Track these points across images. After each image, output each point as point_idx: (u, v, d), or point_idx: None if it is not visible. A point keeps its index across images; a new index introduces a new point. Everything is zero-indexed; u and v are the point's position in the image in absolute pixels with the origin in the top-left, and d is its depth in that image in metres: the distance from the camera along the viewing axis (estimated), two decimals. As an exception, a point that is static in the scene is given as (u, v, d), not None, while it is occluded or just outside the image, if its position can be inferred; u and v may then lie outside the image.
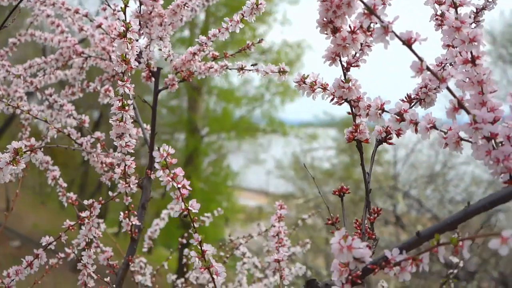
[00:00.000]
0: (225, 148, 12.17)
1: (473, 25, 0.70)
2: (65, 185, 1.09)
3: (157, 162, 0.60)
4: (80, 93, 1.18)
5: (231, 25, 0.87)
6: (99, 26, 1.05)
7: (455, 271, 1.07)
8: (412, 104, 0.68)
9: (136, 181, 0.90)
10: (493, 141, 0.52)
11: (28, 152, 0.67)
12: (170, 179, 0.61)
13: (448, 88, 0.50)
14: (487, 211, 0.48)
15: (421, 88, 0.67)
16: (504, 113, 0.53)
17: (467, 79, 0.53)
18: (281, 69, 0.82)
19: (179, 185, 0.61)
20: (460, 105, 0.51)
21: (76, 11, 1.10)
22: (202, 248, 0.64)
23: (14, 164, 0.67)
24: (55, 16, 1.23)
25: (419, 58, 0.50)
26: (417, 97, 0.68)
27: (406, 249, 0.51)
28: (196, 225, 0.63)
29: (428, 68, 0.50)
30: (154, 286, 1.31)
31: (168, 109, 11.78)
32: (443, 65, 0.68)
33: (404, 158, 6.84)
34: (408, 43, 0.50)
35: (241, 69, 0.93)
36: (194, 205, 0.63)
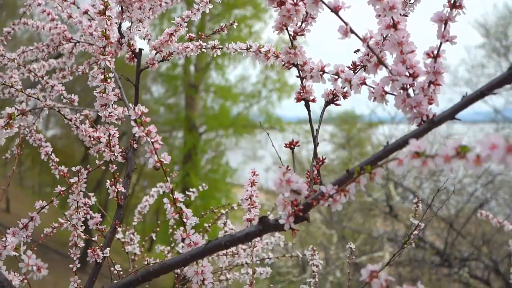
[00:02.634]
0: (223, 145, 12.27)
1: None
2: (57, 159, 1.18)
3: (133, 120, 0.70)
4: (70, 76, 1.27)
5: (201, 5, 0.97)
6: (86, 12, 1.14)
7: (416, 232, 1.17)
8: (357, 70, 0.78)
9: (120, 150, 0.99)
10: (411, 91, 0.62)
11: (20, 116, 0.76)
12: (145, 134, 0.70)
13: (369, 47, 0.60)
14: (402, 149, 0.58)
15: (364, 56, 0.77)
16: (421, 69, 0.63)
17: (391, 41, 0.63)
18: (248, 47, 0.92)
19: (153, 140, 0.71)
20: (380, 61, 0.60)
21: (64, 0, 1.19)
22: (174, 196, 0.73)
23: (8, 127, 0.76)
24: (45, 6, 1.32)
25: (345, 23, 0.60)
26: (361, 64, 0.77)
27: (339, 184, 0.61)
28: (168, 177, 0.73)
29: (352, 31, 0.59)
30: (143, 255, 1.41)
31: (166, 107, 11.87)
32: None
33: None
34: (335, 10, 0.60)
35: (213, 47, 1.03)
36: (166, 157, 0.72)
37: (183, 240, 0.73)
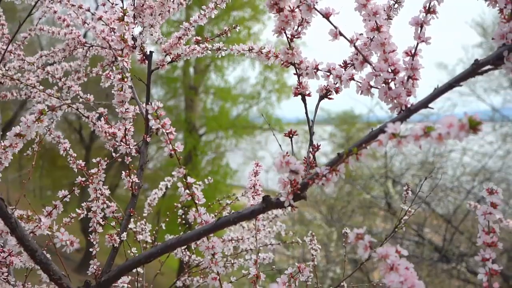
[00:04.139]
0: (223, 146, 12.36)
1: (396, 5, 0.90)
2: (74, 154, 1.28)
3: (150, 113, 0.80)
4: (85, 78, 1.37)
5: (207, 11, 1.07)
6: (100, 18, 1.24)
7: (405, 218, 1.27)
8: (348, 67, 0.88)
9: (135, 143, 1.09)
10: (393, 85, 0.72)
11: (50, 111, 0.86)
12: (161, 126, 0.80)
13: (355, 47, 0.70)
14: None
15: (353, 55, 0.87)
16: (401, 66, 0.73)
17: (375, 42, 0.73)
18: (250, 48, 1.02)
19: (167, 131, 0.81)
20: (365, 60, 0.71)
21: (80, 7, 1.29)
22: (187, 180, 0.83)
23: (39, 122, 0.86)
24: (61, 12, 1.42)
25: (334, 27, 0.70)
26: (351, 62, 0.87)
27: (331, 165, 0.71)
28: (180, 161, 0.83)
29: (340, 34, 0.69)
30: (154, 244, 1.50)
31: (165, 109, 11.97)
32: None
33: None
34: (326, 16, 0.70)
35: (218, 49, 1.13)
36: (180, 146, 0.82)
37: (195, 219, 0.83)
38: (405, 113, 0.66)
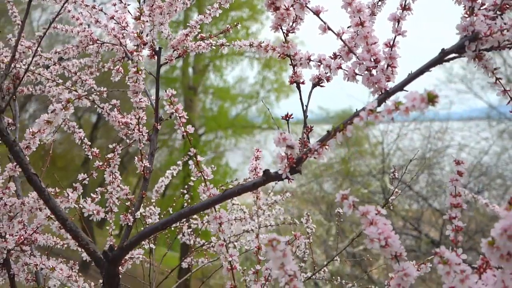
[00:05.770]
0: (222, 146, 12.47)
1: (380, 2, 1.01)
2: (89, 143, 1.40)
3: (165, 100, 0.91)
4: (97, 73, 1.49)
5: (212, 11, 1.18)
6: (112, 17, 1.36)
7: (393, 197, 1.38)
8: (337, 58, 0.99)
9: (147, 130, 1.21)
10: (374, 72, 0.83)
11: (77, 99, 0.98)
12: (174, 111, 0.92)
13: (342, 40, 0.82)
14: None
15: (341, 47, 0.99)
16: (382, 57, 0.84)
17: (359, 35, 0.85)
18: (251, 43, 1.13)
19: (180, 115, 0.93)
20: (350, 50, 0.82)
21: (93, 7, 1.41)
22: (197, 159, 0.95)
23: (66, 110, 0.98)
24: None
25: (324, 22, 0.81)
26: (340, 53, 0.99)
27: (322, 141, 0.82)
28: (191, 142, 0.95)
29: (329, 28, 0.81)
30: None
31: (164, 109, 12.08)
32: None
33: (392, 143, 7.17)
34: (317, 13, 0.81)
35: (222, 45, 1.25)
36: (190, 129, 0.94)
37: (204, 192, 0.95)
38: (384, 95, 0.78)
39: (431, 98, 0.58)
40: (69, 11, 1.50)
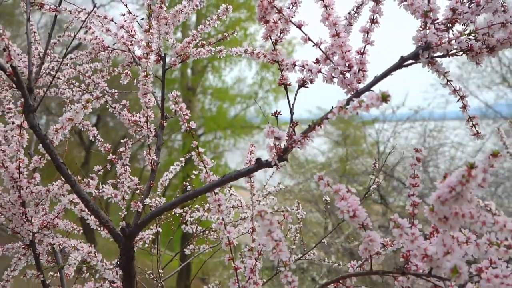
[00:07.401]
0: (221, 146, 12.62)
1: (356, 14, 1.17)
2: (101, 139, 1.56)
3: (170, 100, 1.08)
4: (108, 76, 1.65)
5: (211, 21, 1.35)
6: (122, 27, 1.52)
7: (375, 186, 1.54)
8: (318, 63, 1.15)
9: (155, 127, 1.37)
10: (348, 75, 0.99)
11: (95, 100, 1.14)
12: (179, 109, 1.08)
13: (320, 48, 0.98)
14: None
15: (321, 54, 1.15)
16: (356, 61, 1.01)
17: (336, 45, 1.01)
18: (246, 50, 1.29)
19: (184, 113, 1.09)
20: (327, 57, 0.98)
21: (105, 17, 1.57)
22: (199, 150, 1.11)
23: (85, 109, 1.14)
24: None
25: (304, 34, 0.98)
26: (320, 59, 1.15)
27: (304, 133, 0.98)
28: (195, 136, 1.11)
29: (309, 39, 0.97)
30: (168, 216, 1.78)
31: (165, 110, 12.24)
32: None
33: (386, 141, 7.34)
34: (299, 26, 0.98)
35: (220, 51, 1.41)
36: (193, 124, 1.10)
37: (205, 178, 1.11)
38: (354, 95, 0.94)
39: (385, 97, 0.74)
40: (82, 21, 1.66)
